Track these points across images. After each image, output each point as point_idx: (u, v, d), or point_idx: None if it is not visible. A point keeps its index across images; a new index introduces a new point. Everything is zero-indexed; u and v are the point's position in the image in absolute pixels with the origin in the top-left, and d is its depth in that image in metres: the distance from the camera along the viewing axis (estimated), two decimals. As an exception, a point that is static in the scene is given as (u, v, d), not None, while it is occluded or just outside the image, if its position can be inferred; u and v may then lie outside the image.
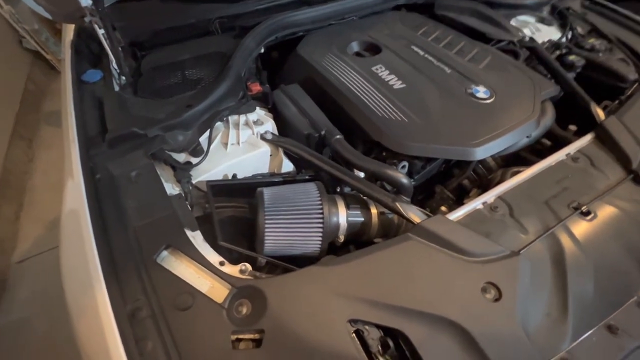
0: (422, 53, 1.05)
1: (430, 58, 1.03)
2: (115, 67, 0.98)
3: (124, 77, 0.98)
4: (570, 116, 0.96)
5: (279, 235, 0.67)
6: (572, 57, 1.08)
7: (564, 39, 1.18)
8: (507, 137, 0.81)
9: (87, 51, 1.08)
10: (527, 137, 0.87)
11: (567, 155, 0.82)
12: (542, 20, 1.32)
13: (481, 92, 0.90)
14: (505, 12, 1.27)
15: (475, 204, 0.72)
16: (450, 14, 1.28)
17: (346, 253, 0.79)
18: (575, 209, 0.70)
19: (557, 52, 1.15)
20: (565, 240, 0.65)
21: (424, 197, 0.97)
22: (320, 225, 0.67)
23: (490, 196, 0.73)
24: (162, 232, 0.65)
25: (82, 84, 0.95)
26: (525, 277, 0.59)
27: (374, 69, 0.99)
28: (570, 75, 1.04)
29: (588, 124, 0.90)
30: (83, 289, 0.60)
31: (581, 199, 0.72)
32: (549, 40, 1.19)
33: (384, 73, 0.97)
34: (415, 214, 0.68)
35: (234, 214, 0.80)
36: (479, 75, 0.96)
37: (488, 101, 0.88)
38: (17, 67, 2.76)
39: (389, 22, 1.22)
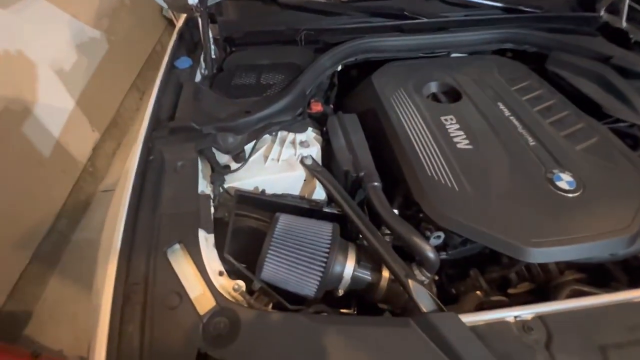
0: (507, 113, 0.91)
1: (516, 122, 0.88)
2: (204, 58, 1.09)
3: (206, 70, 1.07)
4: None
5: (278, 268, 0.66)
6: None
7: None
8: (579, 249, 0.65)
9: (190, 39, 1.21)
10: (611, 254, 0.69)
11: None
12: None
13: (564, 180, 0.74)
14: (640, 86, 1.02)
15: (505, 313, 0.60)
16: (565, 73, 1.08)
17: (346, 303, 0.75)
18: None
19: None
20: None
21: (457, 272, 0.85)
22: (320, 273, 0.64)
23: (528, 312, 0.60)
24: (180, 227, 0.70)
25: (173, 68, 1.07)
26: None
27: (443, 118, 0.89)
28: None
29: None
30: (105, 253, 0.68)
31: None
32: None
33: (452, 127, 0.87)
34: (424, 301, 0.60)
35: (254, 226, 0.82)
36: (571, 159, 0.79)
37: (570, 195, 0.72)
38: (152, 30, 3.29)
39: (483, 67, 1.09)
